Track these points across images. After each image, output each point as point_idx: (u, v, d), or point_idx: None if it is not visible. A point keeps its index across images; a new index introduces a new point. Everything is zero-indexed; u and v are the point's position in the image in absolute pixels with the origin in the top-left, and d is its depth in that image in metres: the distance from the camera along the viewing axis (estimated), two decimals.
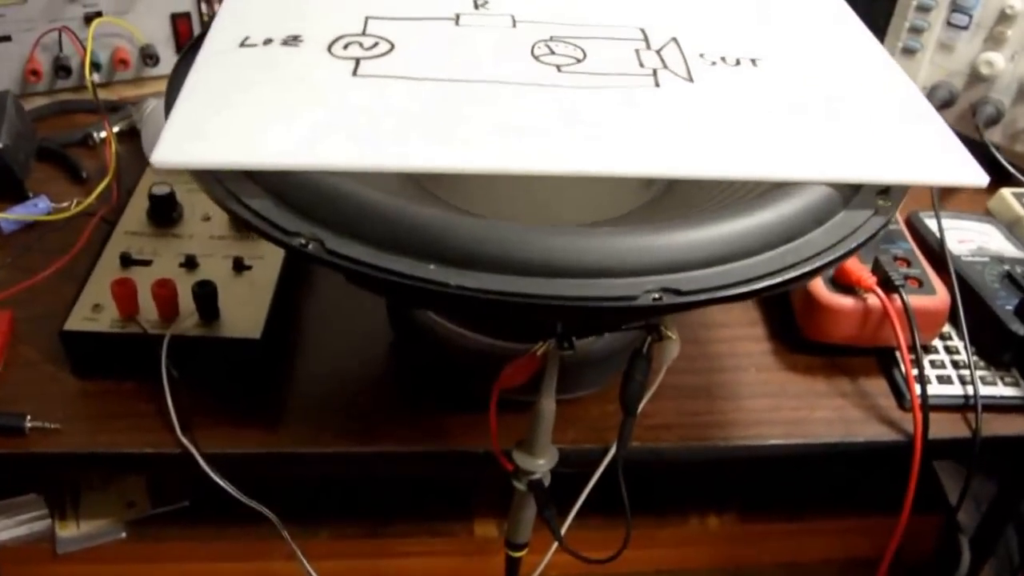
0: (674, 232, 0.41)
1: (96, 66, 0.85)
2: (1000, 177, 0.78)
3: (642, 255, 0.40)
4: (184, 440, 0.54)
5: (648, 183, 0.53)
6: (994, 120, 0.79)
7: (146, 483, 0.70)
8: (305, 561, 0.59)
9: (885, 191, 0.47)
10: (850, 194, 0.46)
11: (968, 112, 0.80)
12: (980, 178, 0.46)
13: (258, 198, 0.43)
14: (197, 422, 0.55)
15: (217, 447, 0.55)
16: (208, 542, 0.68)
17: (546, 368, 0.47)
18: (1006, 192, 0.75)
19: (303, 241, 0.41)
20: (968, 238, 0.69)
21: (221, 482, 0.53)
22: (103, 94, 0.83)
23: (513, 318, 0.42)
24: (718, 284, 0.40)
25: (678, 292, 0.39)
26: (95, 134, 0.81)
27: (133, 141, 0.81)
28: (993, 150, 0.75)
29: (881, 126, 0.48)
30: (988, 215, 0.75)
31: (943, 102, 0.80)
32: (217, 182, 0.44)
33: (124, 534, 0.68)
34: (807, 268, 0.41)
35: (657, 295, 0.39)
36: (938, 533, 0.68)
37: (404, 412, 0.58)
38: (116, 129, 0.81)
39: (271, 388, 0.59)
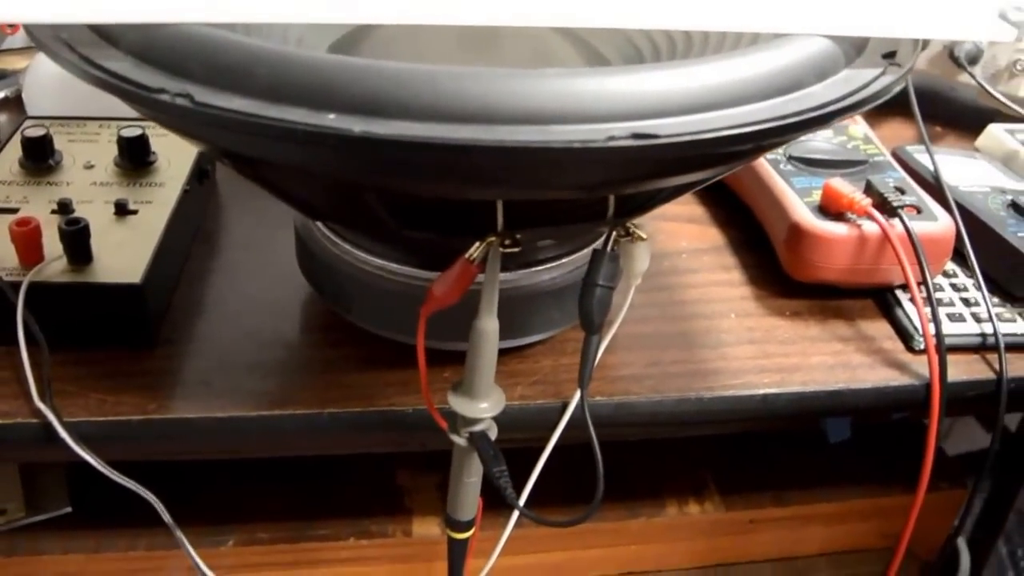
0: (648, 73, 0.32)
1: None
2: (979, 119, 0.72)
3: (605, 97, 0.31)
4: (41, 406, 0.43)
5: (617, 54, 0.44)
6: (973, 59, 0.72)
7: (21, 486, 0.59)
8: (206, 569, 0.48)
9: (891, 54, 0.39)
10: (853, 54, 0.38)
11: (943, 52, 0.73)
12: (1005, 32, 0.38)
13: (116, 60, 0.34)
14: (64, 387, 0.45)
15: (86, 415, 0.44)
16: (94, 554, 0.57)
17: (486, 277, 0.37)
18: (995, 128, 0.67)
19: (168, 97, 0.31)
20: (961, 171, 0.62)
21: (84, 454, 0.42)
22: None
23: (438, 184, 0.33)
24: (706, 128, 0.31)
25: (653, 136, 0.30)
26: None
27: (18, 109, 0.71)
28: (983, 84, 0.68)
29: None
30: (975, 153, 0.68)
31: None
32: (67, 47, 0.35)
33: None
34: (812, 115, 0.32)
35: (626, 140, 0.30)
36: (960, 514, 0.59)
37: (320, 372, 0.48)
38: (2, 94, 0.73)
39: (158, 347, 0.48)
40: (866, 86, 0.36)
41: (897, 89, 0.36)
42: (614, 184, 0.34)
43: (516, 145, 0.29)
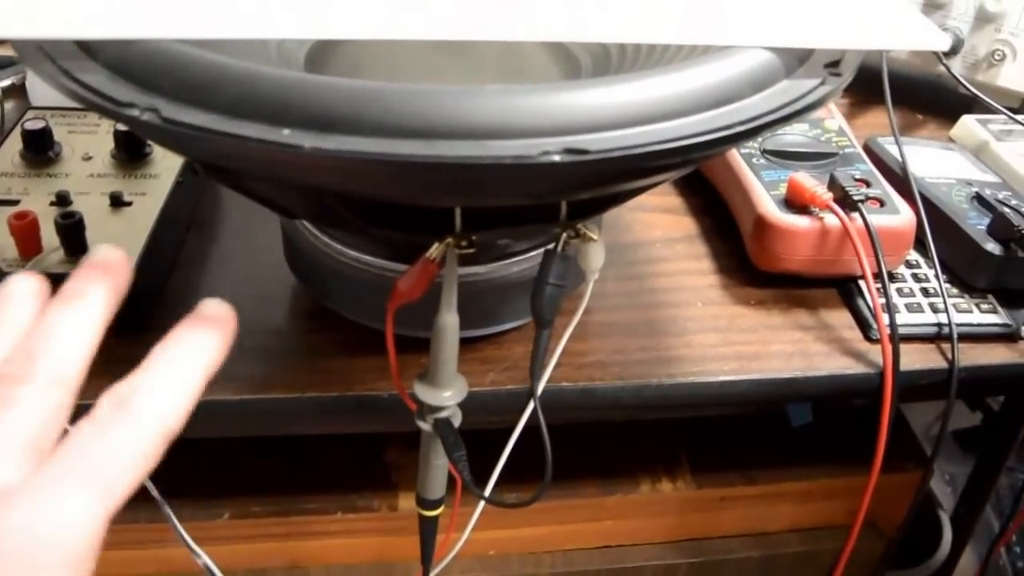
0: (581, 90, 0.34)
1: None
2: (960, 107, 0.73)
3: (541, 113, 0.33)
4: None
5: (567, 67, 0.46)
6: (954, 48, 0.73)
7: None
8: (192, 543, 0.51)
9: (835, 63, 0.40)
10: (795, 65, 0.40)
11: None
12: (939, 41, 0.40)
13: (92, 73, 0.36)
14: None
15: (83, 399, 0.47)
16: None
17: (444, 275, 0.40)
18: (969, 119, 0.69)
19: (137, 112, 0.34)
20: (931, 162, 0.63)
21: None
22: None
23: (390, 191, 0.35)
24: (634, 143, 0.33)
25: (584, 152, 0.32)
26: None
27: (23, 97, 0.73)
28: (956, 76, 0.69)
29: None
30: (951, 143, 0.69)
31: None
32: (48, 59, 0.37)
33: None
34: (741, 128, 0.35)
35: (557, 156, 0.32)
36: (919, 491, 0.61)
37: (303, 359, 0.51)
38: (9, 82, 0.74)
39: (153, 332, 0.51)
40: (801, 98, 0.38)
41: (833, 99, 0.38)
42: (555, 193, 0.36)
43: (453, 160, 0.31)
